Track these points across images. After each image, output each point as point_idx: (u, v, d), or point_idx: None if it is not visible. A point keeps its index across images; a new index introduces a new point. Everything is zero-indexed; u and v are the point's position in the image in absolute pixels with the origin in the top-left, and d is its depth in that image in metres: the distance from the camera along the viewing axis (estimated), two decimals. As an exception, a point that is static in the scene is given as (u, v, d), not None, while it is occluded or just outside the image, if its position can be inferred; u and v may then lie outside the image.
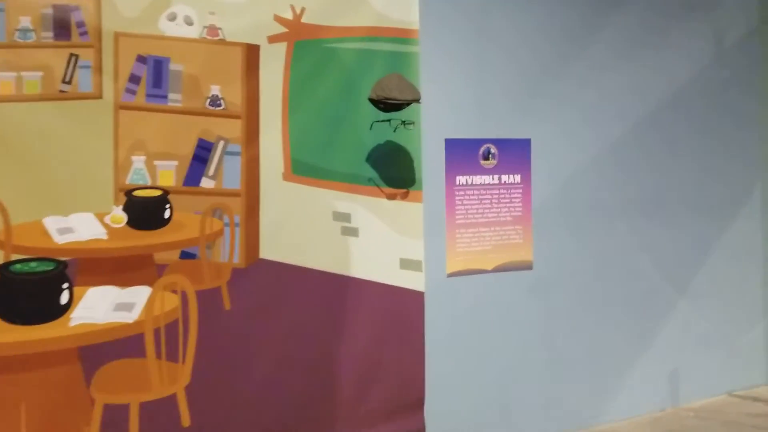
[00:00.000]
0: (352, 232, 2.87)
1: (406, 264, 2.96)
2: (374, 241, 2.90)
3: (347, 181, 2.85)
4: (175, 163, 2.58)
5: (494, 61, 3.18)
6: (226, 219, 2.65)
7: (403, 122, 2.75)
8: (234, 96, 2.65)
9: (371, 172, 2.89)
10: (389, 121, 2.75)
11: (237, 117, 2.65)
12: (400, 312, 2.95)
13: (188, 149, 2.60)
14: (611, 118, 3.48)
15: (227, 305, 2.65)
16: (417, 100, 2.70)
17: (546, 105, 3.31)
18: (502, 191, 3.21)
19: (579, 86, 3.39)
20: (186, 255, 2.60)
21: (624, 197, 3.51)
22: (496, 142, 3.19)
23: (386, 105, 2.65)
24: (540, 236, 3.30)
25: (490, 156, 3.18)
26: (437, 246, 3.07)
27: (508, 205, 3.22)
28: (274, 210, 2.72)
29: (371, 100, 2.67)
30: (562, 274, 3.36)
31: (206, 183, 2.63)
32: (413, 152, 2.96)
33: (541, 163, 3.29)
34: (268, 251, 2.71)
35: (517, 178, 3.24)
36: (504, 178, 3.21)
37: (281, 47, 2.71)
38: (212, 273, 2.63)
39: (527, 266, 3.28)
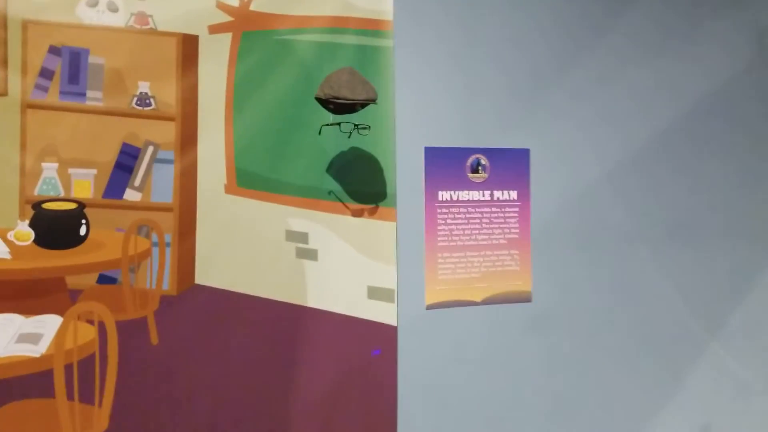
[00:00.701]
0: (310, 254, 2.46)
1: (376, 293, 2.54)
2: (336, 265, 2.49)
3: (304, 195, 2.45)
4: (94, 171, 2.22)
5: (486, 54, 2.74)
6: (154, 238, 2.28)
7: (356, 126, 2.34)
8: (166, 95, 2.28)
9: (333, 185, 2.48)
10: (339, 124, 2.34)
11: (170, 119, 2.28)
12: (367, 350, 2.52)
13: (110, 156, 2.23)
14: (631, 123, 3.00)
15: (154, 339, 2.26)
16: (372, 100, 2.28)
17: (550, 109, 2.85)
18: (494, 209, 2.76)
19: (592, 85, 2.92)
20: (105, 279, 2.23)
21: (645, 217, 3.01)
22: (488, 152, 2.75)
23: (336, 105, 2.24)
24: (541, 262, 2.83)
25: (479, 168, 2.73)
26: (414, 272, 2.63)
27: (501, 225, 2.77)
28: (213, 228, 2.33)
29: (318, 100, 2.27)
30: (567, 308, 2.88)
31: (131, 195, 2.26)
32: (384, 162, 2.54)
33: (543, 177, 2.83)
34: (205, 276, 2.32)
35: (513, 194, 2.79)
36: (497, 194, 2.77)
37: (225, 39, 2.34)
38: (136, 301, 2.25)
39: (525, 298, 2.81)
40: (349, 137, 2.37)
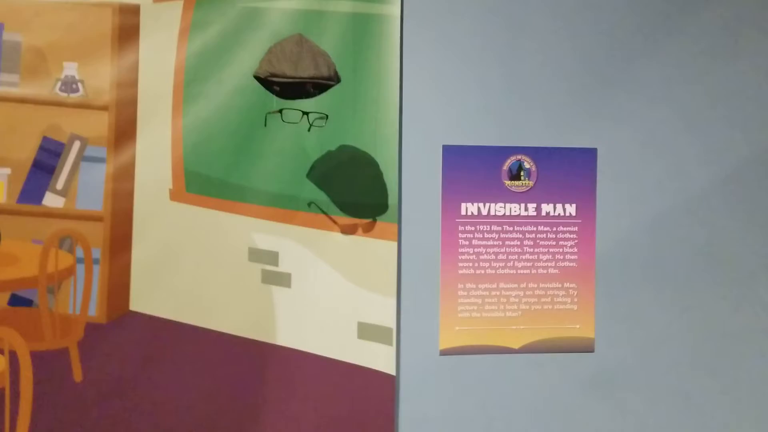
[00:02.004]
0: (280, 279, 1.95)
1: (368, 332, 1.97)
2: (316, 294, 1.96)
3: (274, 204, 1.93)
4: (7, 171, 1.84)
5: (537, 14, 2.07)
6: (79, 252, 1.87)
7: (306, 114, 1.77)
8: (98, 78, 1.86)
9: (315, 193, 1.94)
10: (281, 112, 1.78)
11: (102, 108, 1.87)
12: (355, 406, 1.96)
13: (27, 152, 1.85)
14: (750, 111, 2.18)
15: (77, 376, 1.86)
16: (324, 79, 1.69)
17: (629, 93, 2.11)
18: (542, 228, 2.08)
19: (694, 60, 2.14)
20: (18, 301, 1.85)
21: (762, 246, 2.18)
22: (535, 151, 2.08)
23: (281, 86, 1.69)
24: (609, 300, 2.11)
25: (522, 173, 2.07)
26: (424, 308, 2.02)
27: (552, 249, 2.09)
28: (154, 243, 1.88)
29: (258, 79, 1.73)
30: (646, 363, 2.13)
31: (52, 200, 1.86)
32: (386, 165, 1.97)
33: (616, 186, 2.10)
34: (142, 302, 1.88)
35: (571, 208, 2.09)
36: (546, 208, 2.08)
37: (174, 7, 1.88)
38: (56, 328, 1.85)
39: (585, 347, 2.11)
40: (308, 131, 1.82)
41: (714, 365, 2.16)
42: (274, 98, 1.77)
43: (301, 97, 1.74)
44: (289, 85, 1.68)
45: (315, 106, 1.84)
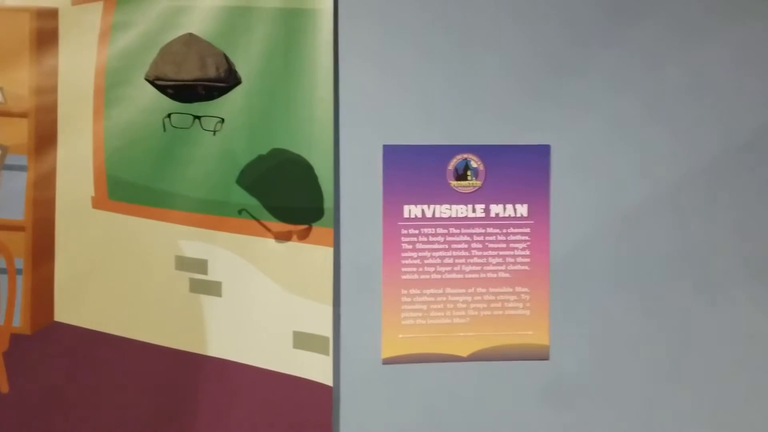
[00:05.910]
0: (210, 288, 1.88)
1: (304, 341, 1.90)
2: (249, 303, 1.88)
3: (202, 210, 1.86)
4: (-73, 181, 1.82)
5: (478, 11, 1.95)
6: (1, 263, 1.82)
7: (198, 118, 1.68)
8: (17, 85, 1.81)
9: (246, 199, 1.87)
10: (169, 117, 1.70)
11: (22, 115, 1.81)
12: (291, 418, 1.89)
13: (-54, 161, 1.82)
14: (713, 110, 2.02)
15: (4, 387, 1.82)
16: (215, 81, 1.59)
17: (584, 86, 1.98)
18: (491, 230, 1.97)
19: (644, 52, 2.00)
20: (-58, 313, 1.82)
21: (734, 248, 2.02)
22: (482, 150, 1.96)
23: (174, 89, 1.59)
24: (564, 305, 1.99)
25: (468, 173, 1.96)
26: (364, 314, 1.94)
27: (502, 252, 1.97)
28: (77, 252, 1.83)
29: (150, 83, 1.64)
30: (604, 371, 2.01)
31: (-27, 210, 1.83)
32: (321, 167, 1.88)
33: (571, 185, 1.98)
34: (67, 312, 1.84)
35: (522, 209, 1.98)
36: (495, 209, 1.97)
37: (95, 9, 1.81)
38: (-19, 340, 1.82)
39: (538, 354, 1.99)
40: (214, 135, 1.74)
41: (683, 373, 2.02)
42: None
43: (200, 100, 1.65)
44: (180, 87, 1.58)
45: (231, 108, 1.76)
